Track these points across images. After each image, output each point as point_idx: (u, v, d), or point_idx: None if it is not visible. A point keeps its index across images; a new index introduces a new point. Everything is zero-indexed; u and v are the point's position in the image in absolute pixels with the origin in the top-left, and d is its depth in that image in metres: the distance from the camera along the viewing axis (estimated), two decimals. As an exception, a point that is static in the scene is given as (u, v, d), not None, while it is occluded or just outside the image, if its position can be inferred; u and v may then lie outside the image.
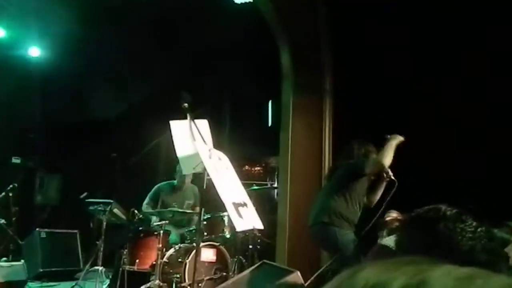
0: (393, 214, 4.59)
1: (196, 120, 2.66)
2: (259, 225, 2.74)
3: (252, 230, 2.84)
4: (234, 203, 2.46)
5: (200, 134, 2.60)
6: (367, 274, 0.41)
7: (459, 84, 4.59)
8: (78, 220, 6.52)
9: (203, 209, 2.65)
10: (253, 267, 3.18)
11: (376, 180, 3.63)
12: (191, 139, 2.59)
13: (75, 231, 5.94)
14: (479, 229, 1.00)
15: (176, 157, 5.15)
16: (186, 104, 2.64)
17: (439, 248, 0.99)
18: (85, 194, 5.66)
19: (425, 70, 4.91)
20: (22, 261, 4.65)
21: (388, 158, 3.38)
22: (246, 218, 2.49)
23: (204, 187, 2.62)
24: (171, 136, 3.61)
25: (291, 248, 5.65)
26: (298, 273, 2.68)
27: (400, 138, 3.47)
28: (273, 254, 5.20)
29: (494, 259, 1.00)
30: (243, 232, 3.11)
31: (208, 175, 2.55)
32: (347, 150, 3.67)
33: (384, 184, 3.60)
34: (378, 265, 0.41)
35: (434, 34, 4.75)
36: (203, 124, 2.80)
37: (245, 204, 2.58)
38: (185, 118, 2.66)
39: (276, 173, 6.28)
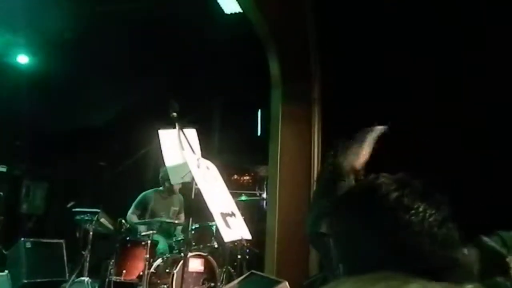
0: None
1: (184, 129, 2.65)
2: (247, 236, 2.71)
3: (240, 240, 2.80)
4: (222, 213, 2.45)
5: (188, 143, 2.58)
6: None
7: (450, 88, 4.63)
8: (64, 230, 6.42)
9: (191, 219, 2.62)
10: (241, 278, 3.15)
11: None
12: (179, 148, 2.57)
13: (61, 240, 5.84)
14: (428, 215, 0.78)
15: (162, 165, 5.17)
16: (174, 113, 2.63)
17: (370, 250, 0.80)
18: (72, 203, 5.60)
19: (415, 77, 4.96)
20: (6, 271, 4.55)
21: (360, 155, 3.24)
22: (234, 228, 2.47)
23: (193, 196, 2.60)
24: (160, 145, 3.59)
25: (280, 257, 5.63)
26: (287, 283, 2.67)
27: (378, 130, 3.33)
28: (262, 263, 5.17)
29: (450, 256, 0.78)
30: (231, 242, 3.06)
31: (196, 184, 2.53)
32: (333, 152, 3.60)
33: None
34: (355, 280, 0.40)
35: (424, 39, 4.80)
36: (192, 133, 2.79)
37: (233, 214, 2.56)
38: (174, 127, 2.65)
39: (265, 182, 6.26)
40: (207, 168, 2.67)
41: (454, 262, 0.78)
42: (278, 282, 2.71)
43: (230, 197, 2.81)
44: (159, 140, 3.32)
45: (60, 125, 7.71)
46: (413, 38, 4.78)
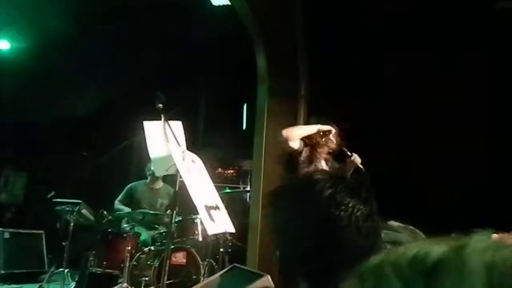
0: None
1: (170, 121, 2.63)
2: (231, 229, 2.71)
3: (224, 233, 2.80)
4: (206, 206, 2.44)
5: (174, 135, 2.56)
6: (405, 248, 0.43)
7: (438, 85, 4.69)
8: (44, 220, 6.33)
9: (175, 211, 2.61)
10: (223, 271, 3.15)
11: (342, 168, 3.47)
12: (164, 140, 2.55)
13: (41, 231, 5.77)
14: (355, 210, 0.87)
15: (148, 156, 5.13)
16: (160, 105, 2.60)
17: (302, 241, 0.89)
18: (52, 193, 5.51)
19: (401, 73, 5.00)
20: (-16, 262, 4.48)
21: (295, 132, 3.30)
22: (218, 222, 2.46)
23: (177, 189, 2.58)
24: (144, 136, 3.56)
25: (263, 251, 5.64)
26: (269, 277, 2.67)
27: (328, 128, 3.33)
28: (244, 257, 5.18)
29: (373, 244, 0.88)
30: (215, 235, 3.04)
31: (180, 177, 2.51)
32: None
33: (350, 171, 3.38)
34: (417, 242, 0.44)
35: (412, 38, 4.85)
36: (177, 126, 2.76)
37: (217, 207, 2.55)
38: (159, 118, 2.62)
39: (249, 176, 6.27)
40: (192, 161, 2.65)
41: (375, 249, 0.87)
42: (260, 276, 2.71)
43: (214, 190, 2.81)
44: (143, 132, 3.29)
45: (41, 113, 7.58)
46: (402, 35, 4.82)
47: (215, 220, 2.40)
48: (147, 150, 3.62)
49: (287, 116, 6.12)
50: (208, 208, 2.40)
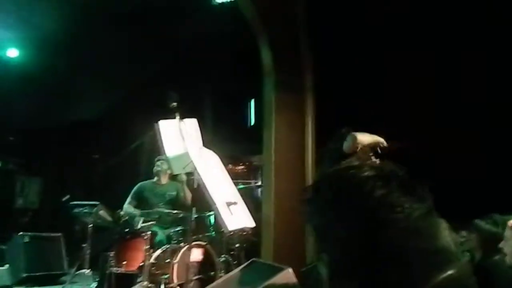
0: None
1: (185, 119, 2.67)
2: (251, 223, 2.75)
3: (244, 228, 2.83)
4: (225, 202, 2.48)
5: (189, 133, 2.60)
6: None
7: (443, 77, 4.69)
8: (59, 224, 6.43)
9: (194, 209, 2.65)
10: (243, 266, 3.20)
11: None
12: (180, 138, 2.59)
13: (59, 234, 5.86)
14: (413, 211, 0.78)
15: (156, 156, 5.17)
16: (174, 104, 2.64)
17: (349, 249, 0.79)
18: (67, 196, 5.59)
19: (407, 64, 5.00)
20: (7, 265, 4.56)
21: (367, 138, 3.18)
22: (237, 217, 2.51)
23: (195, 186, 2.62)
24: (154, 137, 3.61)
25: (277, 245, 5.69)
26: (290, 269, 2.71)
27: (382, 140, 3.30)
28: (259, 252, 5.23)
29: (434, 245, 0.78)
30: (234, 231, 3.06)
31: (198, 174, 2.55)
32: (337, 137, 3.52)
33: None
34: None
35: (415, 29, 4.84)
36: (193, 123, 2.80)
37: (236, 203, 2.59)
38: (167, 118, 2.65)
39: (260, 171, 6.30)
40: (209, 157, 2.69)
41: (436, 251, 0.79)
42: (281, 269, 2.75)
43: (232, 185, 2.84)
44: (152, 132, 3.34)
45: (53, 119, 7.66)
46: (408, 27, 4.82)
47: (234, 216, 2.44)
48: (156, 149, 3.66)
49: (295, 109, 6.14)
50: (227, 204, 2.44)
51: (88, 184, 7.15)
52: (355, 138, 3.20)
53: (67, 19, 6.15)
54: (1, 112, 7.00)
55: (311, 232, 0.90)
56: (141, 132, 6.77)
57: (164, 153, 2.70)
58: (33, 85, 6.81)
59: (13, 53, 6.84)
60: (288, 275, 2.67)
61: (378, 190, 0.79)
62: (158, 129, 2.71)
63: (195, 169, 2.54)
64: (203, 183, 2.45)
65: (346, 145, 3.31)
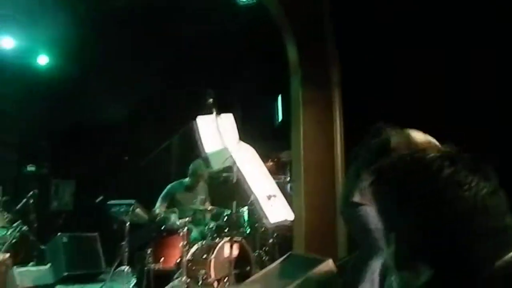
0: None
1: (221, 115, 2.71)
2: (291, 216, 2.78)
3: (285, 221, 2.85)
4: (265, 196, 2.51)
5: (226, 128, 2.64)
6: None
7: (469, 72, 4.62)
8: (94, 224, 6.58)
9: (235, 202, 2.69)
10: (281, 259, 3.23)
11: None
12: (217, 134, 2.63)
13: (95, 233, 6.01)
14: (480, 188, 0.80)
15: (190, 157, 5.24)
16: (211, 100, 2.68)
17: (420, 225, 0.81)
18: (100, 197, 5.72)
19: (434, 57, 4.94)
20: (49, 264, 4.71)
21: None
22: (278, 210, 2.54)
23: (234, 180, 2.66)
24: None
25: (308, 240, 5.70)
26: (331, 260, 2.72)
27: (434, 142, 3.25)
28: (291, 247, 5.24)
29: (502, 223, 0.80)
30: (276, 223, 3.06)
31: (237, 168, 2.59)
32: (375, 131, 3.40)
33: None
34: None
35: (442, 21, 4.78)
36: (229, 118, 2.84)
37: (275, 196, 2.62)
38: (211, 113, 2.70)
39: (288, 167, 6.31)
40: (247, 151, 2.72)
41: (505, 228, 0.81)
42: (322, 260, 2.77)
43: (270, 178, 2.88)
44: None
45: (82, 122, 7.84)
46: (439, 20, 4.76)
47: (275, 209, 2.47)
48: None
49: (322, 104, 6.14)
50: (268, 197, 2.47)
51: (119, 185, 7.29)
52: (408, 136, 3.15)
53: (93, 26, 6.30)
54: (32, 117, 7.21)
55: (379, 216, 0.91)
56: (170, 132, 6.88)
57: (203, 151, 2.74)
58: (63, 90, 6.99)
59: (43, 60, 7.01)
60: (329, 265, 2.69)
61: (445, 170, 0.81)
62: (196, 125, 2.76)
63: (234, 163, 2.58)
64: (244, 177, 2.48)
65: (395, 140, 3.27)
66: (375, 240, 2.79)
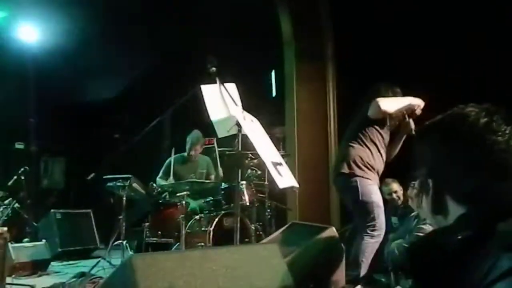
0: (394, 185, 4.52)
1: (225, 84, 2.67)
2: (296, 184, 2.79)
3: (292, 187, 2.86)
4: (272, 162, 2.50)
5: (231, 97, 2.61)
6: None
7: (463, 52, 4.62)
8: (86, 201, 6.54)
9: (240, 170, 2.68)
10: (283, 228, 3.25)
11: (396, 132, 3.39)
12: (222, 102, 2.61)
13: (89, 210, 5.98)
14: (509, 130, 0.91)
15: (186, 131, 5.19)
16: (214, 68, 2.64)
17: (460, 164, 0.93)
18: (92, 175, 5.65)
19: (429, 32, 4.92)
20: (44, 240, 4.68)
21: (393, 105, 3.12)
22: (285, 177, 2.53)
23: (240, 148, 2.64)
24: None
25: (302, 214, 5.75)
26: (333, 228, 2.74)
27: (418, 102, 3.25)
28: (286, 221, 5.28)
29: None
30: (285, 189, 3.07)
31: (241, 137, 2.58)
32: (372, 92, 3.33)
33: (403, 137, 3.38)
34: None
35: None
36: (232, 87, 2.81)
37: (281, 163, 2.62)
38: (214, 82, 2.66)
39: (281, 143, 6.30)
40: (251, 120, 2.70)
41: None
42: (324, 228, 2.78)
43: (274, 147, 2.87)
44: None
45: (72, 100, 7.71)
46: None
47: (282, 175, 2.47)
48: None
49: (316, 77, 6.12)
50: (275, 164, 2.47)
51: (112, 162, 7.22)
52: (378, 107, 3.12)
53: (84, 2, 6.12)
54: (22, 94, 7.05)
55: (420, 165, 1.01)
56: (159, 110, 6.77)
57: (208, 116, 2.71)
58: (53, 67, 6.82)
59: (32, 36, 6.78)
60: (332, 232, 2.71)
61: (482, 119, 0.93)
62: (201, 93, 2.72)
63: (239, 131, 2.56)
64: (252, 142, 2.47)
65: (372, 112, 3.24)
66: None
